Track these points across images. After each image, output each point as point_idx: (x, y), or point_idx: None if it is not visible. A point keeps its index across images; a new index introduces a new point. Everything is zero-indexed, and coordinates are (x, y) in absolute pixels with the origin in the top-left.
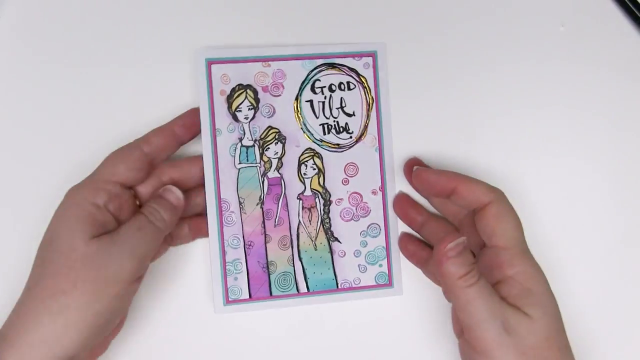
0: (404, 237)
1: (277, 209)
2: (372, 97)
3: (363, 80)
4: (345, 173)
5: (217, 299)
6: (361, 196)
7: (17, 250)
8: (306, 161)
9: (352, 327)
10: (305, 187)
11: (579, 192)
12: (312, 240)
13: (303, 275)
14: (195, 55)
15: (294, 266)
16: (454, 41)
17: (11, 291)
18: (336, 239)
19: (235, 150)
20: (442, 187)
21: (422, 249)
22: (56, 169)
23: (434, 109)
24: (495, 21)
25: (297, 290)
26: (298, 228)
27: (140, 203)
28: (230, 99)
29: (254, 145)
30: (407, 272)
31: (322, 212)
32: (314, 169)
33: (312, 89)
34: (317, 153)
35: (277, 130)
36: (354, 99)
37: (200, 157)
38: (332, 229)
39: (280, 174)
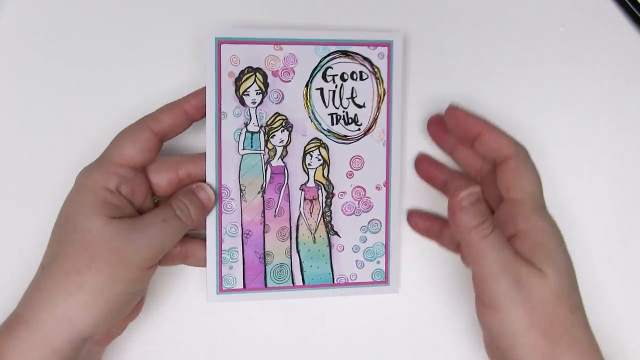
0: (413, 214)
1: (279, 198)
2: (384, 89)
3: (376, 70)
4: (351, 166)
5: (211, 287)
6: (365, 190)
7: (29, 235)
8: (312, 151)
9: (347, 322)
10: (308, 178)
11: (578, 194)
12: (311, 233)
13: (299, 267)
14: (204, 34)
15: (291, 258)
16: (459, 41)
17: (24, 273)
18: (336, 233)
19: (239, 135)
20: (470, 127)
21: (433, 221)
22: (65, 151)
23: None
24: (495, 21)
25: (293, 282)
26: (298, 220)
27: (153, 192)
28: (238, 81)
29: (259, 132)
30: (405, 270)
31: (324, 205)
32: (319, 160)
33: (324, 77)
34: (324, 144)
35: (284, 118)
36: (366, 90)
37: None
38: (332, 222)
39: (284, 162)
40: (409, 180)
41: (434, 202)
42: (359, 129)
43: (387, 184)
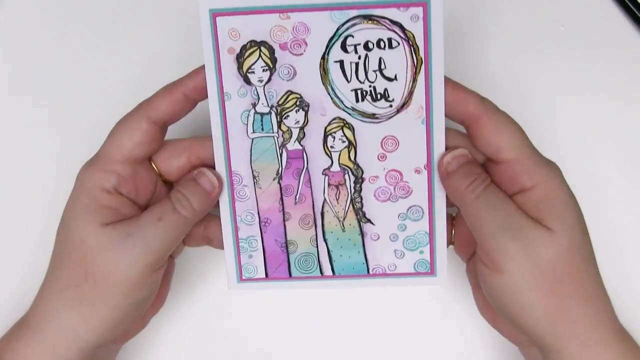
0: None
1: (298, 185)
2: (421, 58)
3: (410, 36)
4: (383, 148)
5: (231, 275)
6: (401, 174)
7: (35, 233)
8: (334, 132)
9: (383, 315)
10: (332, 162)
11: (578, 194)
12: (339, 221)
13: (328, 257)
14: (197, 6)
15: (317, 247)
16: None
17: (33, 276)
18: (369, 221)
19: (247, 117)
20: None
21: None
22: (65, 143)
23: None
24: (494, 21)
25: (321, 272)
26: (323, 206)
27: (164, 178)
28: (240, 58)
29: (270, 113)
30: (450, 260)
31: (353, 190)
32: (344, 142)
33: (343, 47)
34: (348, 123)
35: (298, 96)
36: (397, 60)
37: None
38: (364, 209)
39: (302, 145)
40: None
41: None
42: (391, 106)
43: (429, 166)
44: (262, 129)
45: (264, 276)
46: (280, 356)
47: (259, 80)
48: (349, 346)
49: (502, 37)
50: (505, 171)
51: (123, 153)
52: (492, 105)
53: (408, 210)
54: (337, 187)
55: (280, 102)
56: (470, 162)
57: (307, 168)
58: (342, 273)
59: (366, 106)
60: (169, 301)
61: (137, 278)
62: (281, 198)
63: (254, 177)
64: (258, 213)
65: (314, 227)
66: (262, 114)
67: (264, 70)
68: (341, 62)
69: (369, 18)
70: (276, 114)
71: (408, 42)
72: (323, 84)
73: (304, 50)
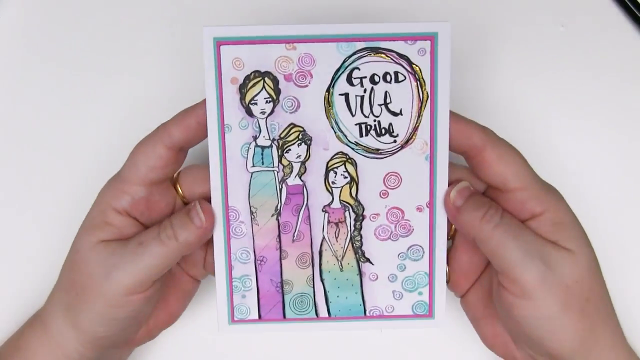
0: None
1: (297, 221)
2: (427, 93)
3: (416, 70)
4: (385, 184)
5: (222, 317)
6: (403, 212)
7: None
8: (336, 167)
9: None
10: (333, 198)
11: (577, 196)
12: (337, 260)
13: (324, 298)
14: (202, 35)
15: (313, 287)
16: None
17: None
18: (367, 260)
19: (248, 150)
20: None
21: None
22: (71, 164)
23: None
24: (494, 21)
25: (317, 314)
26: (321, 245)
27: (186, 201)
28: (243, 88)
29: (271, 146)
30: (449, 302)
31: (353, 228)
32: (346, 178)
33: (349, 80)
34: (351, 159)
35: (300, 129)
36: (403, 94)
37: None
38: (363, 248)
39: (302, 181)
40: None
41: None
42: (395, 141)
43: (431, 204)
44: (262, 162)
45: (257, 317)
46: None
47: (261, 112)
48: None
49: (502, 37)
50: (514, 199)
51: (138, 175)
52: (494, 134)
53: (408, 249)
54: (336, 224)
55: (282, 135)
56: (474, 193)
57: (306, 204)
58: (338, 314)
59: (370, 141)
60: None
61: (115, 297)
62: (279, 235)
63: (252, 213)
64: (254, 251)
65: (311, 267)
66: (262, 147)
67: (267, 101)
68: (346, 95)
69: (376, 51)
70: (277, 148)
71: (415, 76)
72: (327, 118)
73: (309, 82)
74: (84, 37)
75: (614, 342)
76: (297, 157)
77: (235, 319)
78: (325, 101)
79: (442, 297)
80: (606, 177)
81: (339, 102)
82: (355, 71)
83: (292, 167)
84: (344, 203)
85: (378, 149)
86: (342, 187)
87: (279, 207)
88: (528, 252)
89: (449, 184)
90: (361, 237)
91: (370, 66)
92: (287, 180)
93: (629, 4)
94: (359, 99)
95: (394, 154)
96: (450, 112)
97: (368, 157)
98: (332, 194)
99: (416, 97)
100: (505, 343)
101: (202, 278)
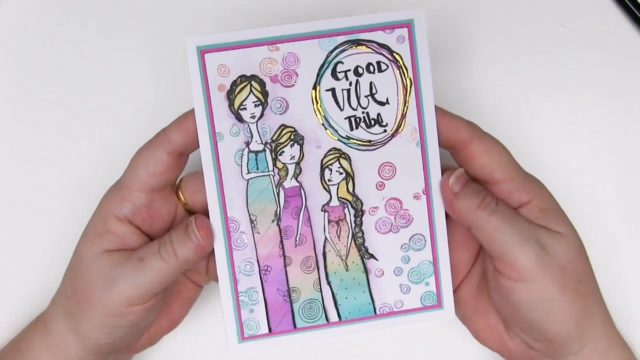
0: None
1: (298, 225)
2: (410, 79)
3: (397, 58)
4: (380, 175)
5: (231, 335)
6: (401, 202)
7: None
8: (330, 164)
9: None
10: (331, 196)
11: (576, 196)
12: (342, 260)
13: (333, 301)
14: (184, 45)
15: (321, 292)
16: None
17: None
18: (372, 256)
19: (242, 157)
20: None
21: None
22: (64, 169)
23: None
24: (494, 21)
25: (327, 319)
26: (324, 246)
27: (188, 208)
28: (231, 94)
29: (264, 150)
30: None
31: (354, 225)
32: (341, 174)
33: (334, 74)
34: (344, 153)
35: (292, 129)
36: (387, 83)
37: None
38: (366, 244)
39: (299, 182)
40: None
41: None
42: (385, 131)
43: (427, 190)
44: (257, 168)
45: (267, 331)
46: None
47: (251, 117)
48: None
49: (503, 37)
50: (500, 190)
51: (139, 182)
52: (479, 129)
53: (410, 239)
54: (337, 223)
55: (274, 138)
56: (470, 181)
57: (305, 206)
58: (348, 317)
59: (361, 133)
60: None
61: (117, 308)
62: (281, 241)
63: (252, 222)
64: (257, 261)
65: (316, 270)
66: (256, 152)
67: (255, 105)
68: (333, 90)
69: (357, 43)
70: (271, 151)
71: (396, 64)
72: (316, 115)
73: (295, 82)
74: (84, 38)
75: (604, 322)
76: (291, 159)
77: (245, 335)
78: (313, 98)
79: (449, 284)
80: (606, 177)
81: (326, 98)
82: (339, 65)
83: (287, 169)
84: (342, 200)
85: (370, 141)
86: (338, 183)
87: (278, 212)
88: (524, 236)
89: (446, 171)
90: (363, 233)
91: (353, 59)
92: (283, 184)
93: (629, 4)
94: (345, 92)
95: (385, 143)
96: (438, 107)
97: (361, 150)
98: (329, 192)
99: (400, 85)
100: (499, 335)
101: (205, 284)
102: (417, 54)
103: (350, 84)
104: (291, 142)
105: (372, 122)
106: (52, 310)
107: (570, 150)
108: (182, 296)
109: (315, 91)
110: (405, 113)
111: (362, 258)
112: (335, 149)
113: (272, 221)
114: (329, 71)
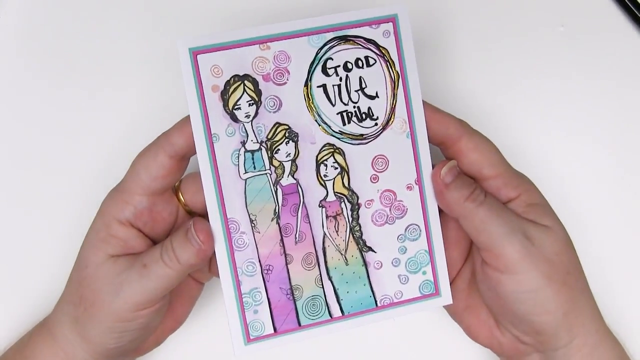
0: None
1: (297, 222)
2: (397, 72)
3: (384, 52)
4: (374, 168)
5: (237, 338)
6: (395, 194)
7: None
8: (325, 160)
9: (397, 347)
10: (327, 192)
11: (576, 196)
12: (341, 254)
13: (335, 296)
14: (177, 47)
15: (323, 287)
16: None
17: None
18: (370, 249)
19: (238, 157)
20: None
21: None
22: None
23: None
24: (495, 21)
25: (330, 315)
26: (324, 242)
27: (189, 209)
28: (225, 95)
29: (260, 149)
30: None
31: (351, 219)
32: (336, 169)
33: (324, 71)
34: (338, 148)
35: (286, 127)
36: (376, 77)
37: None
38: (364, 237)
39: (295, 179)
40: None
41: None
42: (376, 124)
43: (419, 181)
44: (254, 167)
45: (273, 331)
46: None
47: (246, 116)
48: None
49: (503, 37)
50: (490, 186)
51: (141, 186)
52: (469, 126)
53: (406, 230)
54: (335, 218)
55: (269, 136)
56: (461, 173)
57: (303, 202)
58: (350, 311)
59: (353, 128)
60: None
61: (124, 313)
62: (281, 240)
63: (252, 222)
64: (259, 261)
65: (317, 266)
66: (252, 152)
67: (249, 104)
68: (324, 86)
69: (345, 39)
70: (267, 150)
71: (384, 58)
72: (309, 111)
73: (287, 79)
74: (84, 41)
75: (593, 316)
76: (287, 156)
77: (251, 337)
78: (305, 95)
79: (444, 272)
80: (606, 177)
81: (318, 94)
82: (329, 61)
83: (284, 167)
84: (339, 194)
85: (362, 134)
86: (334, 178)
87: (277, 210)
88: (511, 228)
89: (433, 166)
90: (360, 226)
91: (342, 54)
92: (280, 181)
93: (629, 4)
94: (336, 88)
95: (377, 136)
96: (428, 105)
97: (354, 144)
98: (325, 187)
99: (388, 78)
100: (490, 330)
101: (207, 281)
102: (402, 48)
103: (341, 79)
104: (286, 140)
105: (364, 116)
106: (57, 316)
107: (569, 149)
108: (184, 295)
109: (307, 88)
110: (395, 106)
111: (360, 251)
112: (329, 144)
113: (272, 220)
114: (319, 68)
